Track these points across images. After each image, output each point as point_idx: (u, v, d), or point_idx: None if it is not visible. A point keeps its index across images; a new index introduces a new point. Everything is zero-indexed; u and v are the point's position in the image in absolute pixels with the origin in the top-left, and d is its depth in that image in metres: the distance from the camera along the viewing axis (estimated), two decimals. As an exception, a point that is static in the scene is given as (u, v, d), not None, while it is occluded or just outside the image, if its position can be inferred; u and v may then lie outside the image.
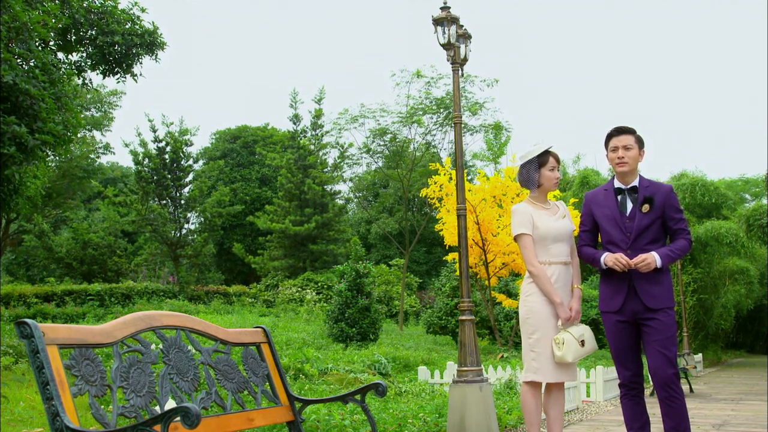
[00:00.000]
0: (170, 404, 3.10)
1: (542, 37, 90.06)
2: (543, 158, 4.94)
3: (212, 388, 3.31)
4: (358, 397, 3.63)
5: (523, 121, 73.35)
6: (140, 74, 14.11)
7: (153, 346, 3.28)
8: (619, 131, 4.71)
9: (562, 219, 4.94)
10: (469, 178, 20.47)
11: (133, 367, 2.95)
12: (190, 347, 3.30)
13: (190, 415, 2.36)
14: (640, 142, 4.71)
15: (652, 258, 4.49)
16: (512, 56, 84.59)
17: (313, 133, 34.92)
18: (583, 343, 4.72)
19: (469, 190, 16.53)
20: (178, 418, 2.40)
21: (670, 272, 4.67)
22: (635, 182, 4.68)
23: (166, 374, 3.11)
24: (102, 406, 2.82)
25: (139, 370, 2.97)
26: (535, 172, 4.93)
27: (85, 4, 13.26)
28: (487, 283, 18.02)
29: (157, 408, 2.99)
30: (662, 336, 4.52)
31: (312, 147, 34.00)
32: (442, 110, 26.69)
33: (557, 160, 4.98)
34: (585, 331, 4.78)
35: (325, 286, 29.34)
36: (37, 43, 11.46)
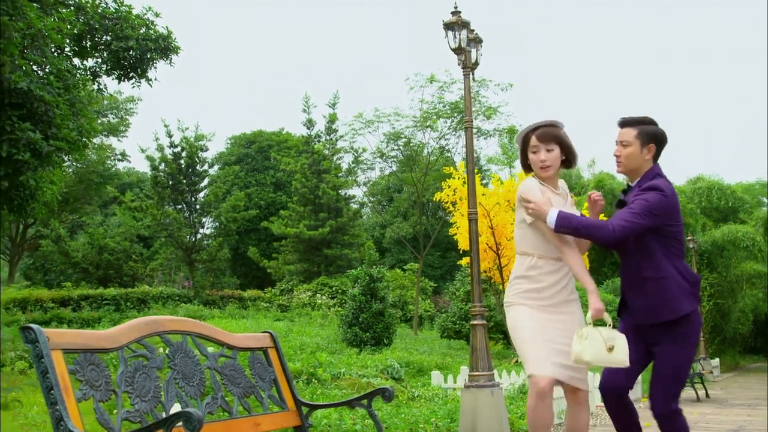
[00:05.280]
0: (176, 409, 3.10)
1: (557, 40, 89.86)
2: (524, 142, 4.13)
3: (218, 393, 3.30)
4: (365, 402, 3.62)
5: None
6: (155, 79, 14.20)
7: (160, 350, 3.28)
8: (621, 123, 4.07)
9: (572, 208, 4.16)
10: (484, 182, 20.42)
11: (139, 372, 2.95)
12: (196, 352, 3.30)
13: (192, 419, 2.35)
14: (644, 138, 3.98)
15: (542, 207, 3.83)
16: (527, 60, 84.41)
17: (328, 137, 34.97)
18: (611, 349, 3.81)
19: (483, 195, 16.49)
20: (181, 423, 2.39)
21: (668, 278, 3.90)
22: (638, 182, 4.02)
23: (171, 379, 3.10)
24: (107, 411, 2.82)
25: (144, 375, 2.97)
26: (524, 159, 4.17)
27: (99, 10, 13.36)
28: (501, 287, 17.95)
29: (163, 413, 2.99)
30: (665, 365, 3.89)
31: (326, 152, 34.04)
32: (455, 114, 26.64)
33: (543, 139, 4.01)
34: (619, 339, 3.84)
35: (340, 291, 29.33)
36: (52, 50, 11.55)
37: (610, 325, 3.86)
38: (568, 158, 4.10)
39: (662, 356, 3.93)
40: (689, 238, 24.62)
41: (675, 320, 3.89)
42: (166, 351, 3.19)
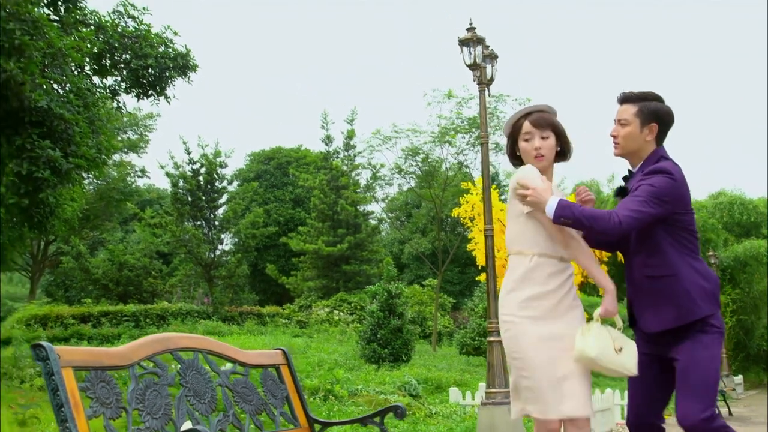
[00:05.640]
0: (187, 426, 3.09)
1: (575, 53, 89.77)
2: (515, 129, 3.60)
3: (230, 410, 3.29)
4: (377, 419, 3.59)
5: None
6: (173, 96, 14.31)
7: (172, 367, 3.28)
8: (621, 99, 3.57)
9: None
10: (503, 197, 20.35)
11: (150, 389, 2.94)
12: (207, 369, 3.29)
13: (200, 438, 2.34)
14: (645, 116, 3.48)
15: (542, 194, 3.31)
16: (545, 74, 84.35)
17: (346, 153, 35.06)
18: (619, 351, 3.33)
19: (501, 210, 16.43)
20: (189, 441, 2.38)
21: (681, 275, 3.38)
22: (640, 167, 3.53)
23: (182, 396, 3.09)
24: (117, 429, 2.81)
25: (155, 392, 2.96)
26: (511, 144, 3.65)
27: (119, 29, 13.50)
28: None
29: (174, 431, 2.98)
30: (689, 372, 3.33)
31: (344, 168, 34.11)
32: (474, 130, 26.61)
33: (537, 125, 3.50)
34: (629, 343, 3.39)
35: (358, 307, 29.30)
36: (72, 68, 11.68)
37: (620, 329, 3.41)
38: (563, 149, 3.59)
39: (684, 365, 3.35)
40: (710, 253, 24.39)
41: (692, 324, 3.36)
42: (178, 368, 3.18)
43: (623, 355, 3.34)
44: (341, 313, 29.29)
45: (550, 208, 3.27)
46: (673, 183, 3.36)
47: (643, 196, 3.31)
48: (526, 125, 3.53)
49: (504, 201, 18.81)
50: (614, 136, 3.55)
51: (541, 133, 3.50)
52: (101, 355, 2.83)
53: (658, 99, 3.52)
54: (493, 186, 14.94)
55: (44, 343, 2.64)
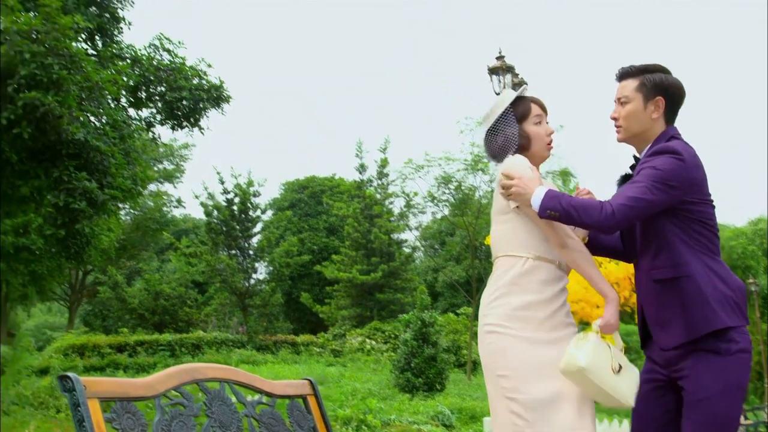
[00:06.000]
0: (213, 458, 3.08)
1: (606, 82, 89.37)
2: (522, 108, 3.07)
3: (256, 442, 3.27)
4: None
5: (589, 167, 72.60)
6: (207, 127, 14.51)
7: (198, 397, 3.28)
8: (619, 75, 3.01)
9: None
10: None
11: (175, 420, 2.94)
12: (234, 400, 3.28)
13: (224, 470, 2.32)
14: (648, 89, 2.91)
15: (529, 183, 2.83)
16: (576, 101, 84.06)
17: (379, 182, 35.19)
18: (616, 370, 2.76)
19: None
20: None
21: (695, 277, 2.77)
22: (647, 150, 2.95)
23: (208, 427, 3.09)
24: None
25: (181, 423, 2.95)
26: (514, 128, 3.03)
27: (154, 62, 13.76)
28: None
29: (200, 462, 2.97)
30: (699, 408, 2.71)
31: (378, 196, 34.23)
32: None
33: (544, 110, 3.11)
34: (631, 367, 2.84)
35: (392, 336, 29.19)
36: (108, 101, 11.91)
37: (621, 349, 2.88)
38: None
39: (693, 394, 2.72)
40: (750, 281, 23.92)
41: (707, 338, 2.71)
42: (204, 399, 3.18)
43: (621, 377, 2.76)
44: (375, 342, 29.20)
45: (537, 198, 2.80)
46: (681, 164, 2.76)
47: (644, 180, 2.75)
48: (534, 108, 3.07)
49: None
50: (615, 119, 3.00)
51: (546, 116, 3.11)
52: (127, 386, 2.84)
53: (662, 70, 2.97)
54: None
55: (71, 375, 2.65)
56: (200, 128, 14.37)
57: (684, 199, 2.78)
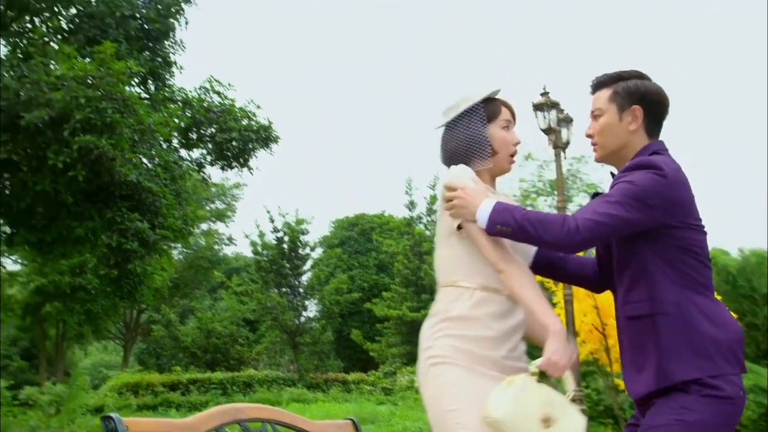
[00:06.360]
0: (255, 500, 3.06)
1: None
2: (491, 108, 2.69)
3: (298, 483, 3.25)
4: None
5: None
6: (256, 167, 14.73)
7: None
8: (593, 87, 2.63)
9: None
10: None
11: (217, 461, 2.94)
12: (276, 440, 3.27)
13: None
14: (622, 98, 2.52)
15: (473, 195, 2.44)
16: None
17: (428, 219, 35.16)
18: (547, 422, 2.31)
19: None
20: None
21: (671, 315, 2.33)
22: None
23: (250, 468, 3.08)
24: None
25: (222, 464, 2.95)
26: (482, 128, 2.64)
27: (205, 104, 14.04)
28: (609, 369, 17.28)
29: (242, 503, 2.96)
30: None
31: (427, 233, 34.17)
32: (555, 192, 26.41)
33: (514, 116, 2.75)
34: (568, 415, 2.38)
35: (443, 373, 28.93)
36: (160, 143, 12.18)
37: (569, 394, 2.45)
38: None
39: (641, 428, 2.37)
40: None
41: (682, 384, 2.28)
42: (246, 439, 3.17)
43: (552, 430, 2.33)
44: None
45: (483, 212, 2.39)
46: (662, 181, 2.33)
47: (617, 195, 2.33)
48: (506, 111, 2.72)
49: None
50: (590, 136, 2.61)
51: (514, 122, 2.77)
52: (169, 426, 2.85)
53: (639, 76, 2.57)
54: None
55: (113, 415, 2.68)
56: (249, 168, 14.59)
57: (665, 222, 2.36)
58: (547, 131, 6.92)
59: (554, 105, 6.91)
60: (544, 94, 6.97)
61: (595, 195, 2.55)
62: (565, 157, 7.18)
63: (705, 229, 2.47)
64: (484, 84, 2.77)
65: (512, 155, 2.70)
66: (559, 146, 6.93)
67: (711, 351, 2.29)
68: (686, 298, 2.34)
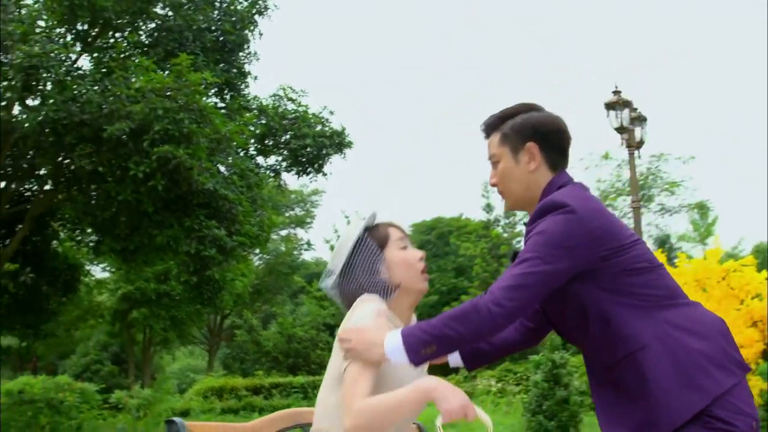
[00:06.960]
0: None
1: (739, 109, 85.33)
2: (379, 233, 2.42)
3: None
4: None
5: (726, 200, 68.92)
6: (330, 173, 14.88)
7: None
8: (483, 131, 2.38)
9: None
10: (673, 260, 19.38)
11: (278, 465, 2.96)
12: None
13: None
14: (513, 138, 2.27)
15: (367, 336, 2.14)
16: (709, 132, 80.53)
17: (506, 221, 34.84)
18: None
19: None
20: None
21: (650, 348, 2.02)
22: None
23: (312, 472, 3.09)
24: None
25: (283, 468, 2.97)
26: (377, 261, 2.37)
27: (279, 111, 14.27)
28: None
29: (304, 507, 2.97)
30: None
31: (505, 236, 33.88)
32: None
33: (404, 233, 2.50)
34: None
35: (524, 377, 28.55)
36: (236, 151, 12.42)
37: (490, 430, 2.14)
38: None
39: None
40: None
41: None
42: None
43: None
44: (506, 384, 28.66)
45: (393, 345, 2.07)
46: (573, 218, 2.07)
47: (531, 251, 2.08)
48: (395, 231, 2.47)
49: (673, 265, 17.82)
50: (494, 185, 2.36)
51: (407, 238, 2.50)
52: (231, 430, 2.89)
53: (527, 109, 2.33)
54: (659, 250, 14.28)
55: (176, 419, 2.73)
56: (324, 174, 14.75)
57: (594, 257, 2.08)
58: (620, 130, 6.75)
59: (627, 104, 6.73)
60: (617, 92, 6.80)
61: (515, 255, 2.22)
62: (639, 156, 6.98)
63: (638, 239, 2.18)
64: (355, 220, 2.50)
65: (422, 270, 2.43)
66: (632, 145, 6.74)
67: (705, 366, 2.00)
68: (657, 321, 2.06)
